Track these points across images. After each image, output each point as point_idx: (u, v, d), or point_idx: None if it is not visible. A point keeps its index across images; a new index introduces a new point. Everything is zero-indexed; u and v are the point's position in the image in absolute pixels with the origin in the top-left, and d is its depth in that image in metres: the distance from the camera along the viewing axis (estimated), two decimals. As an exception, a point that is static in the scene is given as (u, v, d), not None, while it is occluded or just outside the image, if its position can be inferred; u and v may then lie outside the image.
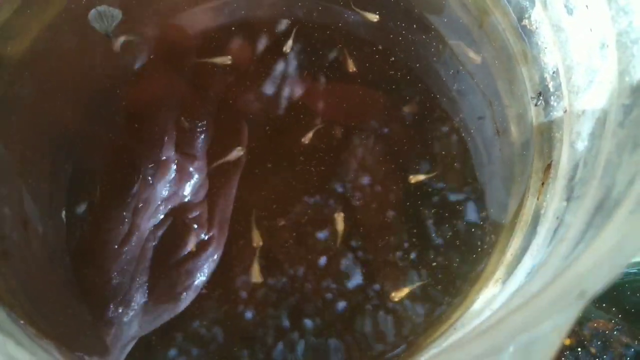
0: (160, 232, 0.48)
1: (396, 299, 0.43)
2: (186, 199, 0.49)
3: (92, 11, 0.49)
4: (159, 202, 0.48)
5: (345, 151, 0.53)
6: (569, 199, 0.33)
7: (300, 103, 0.55)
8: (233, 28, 0.56)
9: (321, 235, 0.48)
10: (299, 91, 0.55)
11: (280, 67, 0.56)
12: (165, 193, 0.48)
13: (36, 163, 0.50)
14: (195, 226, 0.48)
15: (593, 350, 0.53)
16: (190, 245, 0.47)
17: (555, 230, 0.33)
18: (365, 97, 0.55)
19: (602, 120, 0.33)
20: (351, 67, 0.56)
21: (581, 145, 0.35)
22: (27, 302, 0.43)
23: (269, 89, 0.55)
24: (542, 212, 0.37)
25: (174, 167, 0.49)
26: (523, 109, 0.44)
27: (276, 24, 0.57)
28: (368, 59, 0.56)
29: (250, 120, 0.53)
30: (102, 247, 0.46)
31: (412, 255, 0.46)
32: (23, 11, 0.49)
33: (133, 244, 0.46)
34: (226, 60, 0.54)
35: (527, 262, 0.35)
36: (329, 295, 0.46)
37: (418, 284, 0.44)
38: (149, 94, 0.53)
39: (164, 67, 0.55)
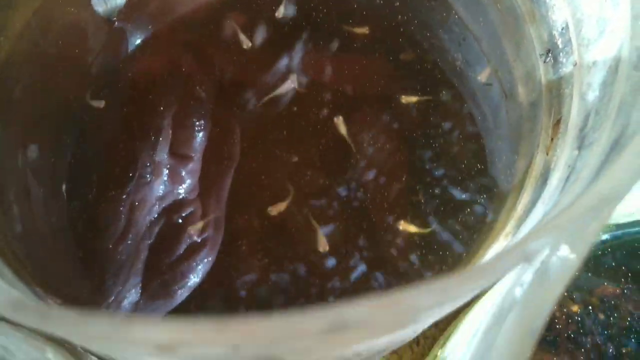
0: (155, 230, 0.47)
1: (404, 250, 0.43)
2: (180, 197, 0.49)
3: None
4: (154, 201, 0.48)
5: (352, 124, 0.53)
6: (580, 148, 0.33)
7: (306, 83, 0.55)
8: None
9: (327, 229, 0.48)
10: (306, 65, 0.55)
11: (283, 40, 0.56)
12: (160, 192, 0.48)
13: (38, 136, 0.49)
14: (190, 227, 0.48)
15: (601, 316, 0.53)
16: (184, 246, 0.47)
17: (567, 178, 0.33)
18: (371, 66, 0.55)
19: (614, 68, 0.33)
20: (356, 36, 0.55)
21: (592, 95, 0.35)
22: (29, 264, 0.43)
23: (274, 67, 0.55)
24: (552, 165, 0.37)
25: (166, 170, 0.49)
26: (531, 68, 0.44)
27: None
28: (373, 28, 0.56)
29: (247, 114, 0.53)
30: (99, 244, 0.46)
31: (424, 212, 0.46)
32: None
33: (129, 242, 0.46)
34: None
35: (539, 210, 0.35)
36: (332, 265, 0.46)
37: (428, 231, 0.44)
38: (148, 77, 0.53)
39: (163, 47, 0.55)
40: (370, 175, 0.49)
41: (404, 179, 0.49)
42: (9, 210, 0.44)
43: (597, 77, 0.35)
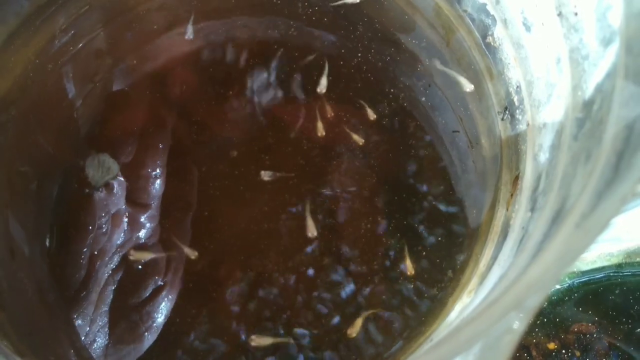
0: (118, 276, 0.49)
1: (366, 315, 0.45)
2: (140, 243, 0.50)
3: (92, 157, 0.49)
4: (114, 249, 0.49)
5: (323, 170, 0.54)
6: (532, 210, 0.35)
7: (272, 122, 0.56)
8: (205, 51, 0.58)
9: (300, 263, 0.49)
10: (273, 111, 0.57)
11: (253, 88, 0.57)
12: (119, 241, 0.49)
13: (22, 191, 0.51)
14: (151, 272, 0.49)
15: (577, 352, 0.54)
16: (149, 290, 0.48)
17: (521, 241, 0.34)
18: (342, 113, 0.57)
19: (560, 133, 0.34)
20: (326, 85, 0.57)
21: (543, 157, 0.36)
22: (14, 334, 0.44)
23: (242, 110, 0.56)
24: (511, 222, 0.39)
25: (125, 219, 0.50)
26: (492, 123, 0.45)
27: (247, 45, 0.59)
28: (343, 77, 0.57)
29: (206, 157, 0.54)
30: (63, 292, 0.47)
31: (389, 268, 0.47)
32: (5, 49, 0.50)
33: (90, 290, 0.47)
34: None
35: (496, 272, 0.36)
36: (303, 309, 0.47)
37: (397, 300, 0.45)
38: (106, 130, 0.55)
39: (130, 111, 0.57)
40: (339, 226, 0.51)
41: (377, 229, 0.51)
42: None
43: (546, 139, 0.36)
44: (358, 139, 0.53)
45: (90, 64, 0.57)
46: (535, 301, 0.23)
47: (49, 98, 0.54)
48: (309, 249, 0.50)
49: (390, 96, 0.56)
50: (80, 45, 0.57)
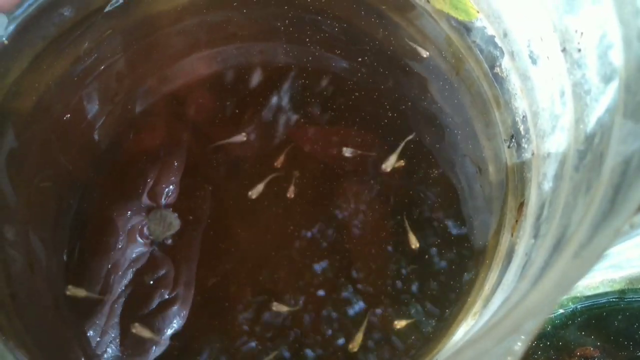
0: (129, 291, 0.50)
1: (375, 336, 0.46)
2: (152, 257, 0.52)
3: (155, 212, 0.51)
4: (128, 264, 0.51)
5: (334, 192, 0.56)
6: (536, 237, 0.36)
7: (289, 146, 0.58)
8: (222, 75, 0.60)
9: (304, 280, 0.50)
10: (287, 133, 0.58)
11: (268, 112, 0.59)
12: (133, 255, 0.51)
13: (41, 207, 0.52)
14: (160, 287, 0.51)
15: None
16: (155, 303, 0.50)
17: (524, 266, 0.36)
18: (352, 139, 0.58)
19: (563, 163, 0.36)
20: (337, 111, 0.59)
21: (547, 186, 0.38)
22: (31, 343, 0.45)
23: (256, 132, 0.58)
24: (515, 248, 0.40)
25: (138, 236, 0.52)
26: (498, 150, 0.47)
27: (263, 70, 0.61)
28: (355, 103, 0.59)
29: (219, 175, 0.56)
30: (78, 305, 0.49)
31: (399, 288, 0.48)
32: (31, 70, 0.53)
33: (104, 303, 0.49)
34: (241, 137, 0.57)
35: (499, 297, 0.37)
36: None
37: (405, 321, 0.46)
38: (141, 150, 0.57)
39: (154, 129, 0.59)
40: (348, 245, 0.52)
41: (385, 250, 0.52)
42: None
43: (550, 169, 0.38)
44: (369, 164, 0.54)
45: (111, 86, 0.59)
46: (535, 324, 0.24)
47: (71, 117, 0.56)
48: (317, 267, 0.51)
49: (400, 122, 0.57)
50: (102, 67, 0.59)
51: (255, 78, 0.61)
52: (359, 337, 0.46)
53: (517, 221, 0.42)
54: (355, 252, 0.52)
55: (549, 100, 0.39)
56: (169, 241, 0.50)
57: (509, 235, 0.42)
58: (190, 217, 0.53)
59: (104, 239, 0.51)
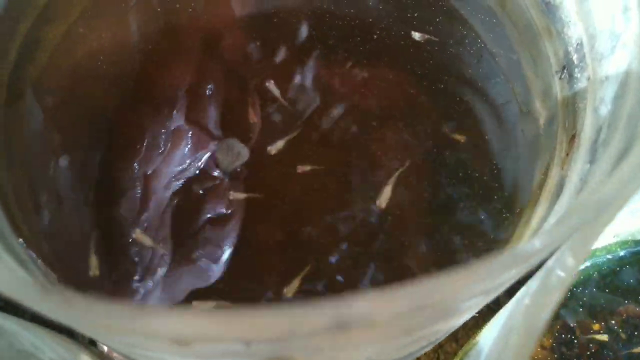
0: (176, 201, 0.49)
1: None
2: (202, 167, 0.50)
3: (221, 142, 0.49)
4: (176, 172, 0.49)
5: (369, 137, 0.54)
6: (592, 162, 0.34)
7: (322, 88, 0.56)
8: (257, 16, 0.58)
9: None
10: (323, 75, 0.57)
11: (301, 52, 0.57)
12: (181, 163, 0.49)
13: (73, 138, 0.51)
14: (212, 199, 0.49)
15: (623, 335, 0.52)
16: (206, 217, 0.48)
17: (579, 192, 0.33)
18: (389, 82, 0.56)
19: (624, 82, 0.33)
20: (373, 52, 0.57)
21: (604, 109, 0.35)
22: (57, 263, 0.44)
23: (291, 71, 0.56)
24: (567, 179, 0.38)
25: (189, 137, 0.51)
26: (547, 85, 0.44)
27: (297, 12, 0.59)
28: (392, 44, 0.57)
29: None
30: (121, 220, 0.47)
31: (439, 228, 0.46)
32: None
33: (151, 211, 0.47)
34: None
35: (551, 223, 0.35)
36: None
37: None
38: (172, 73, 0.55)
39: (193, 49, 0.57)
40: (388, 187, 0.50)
41: (422, 195, 0.50)
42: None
43: (609, 91, 0.35)
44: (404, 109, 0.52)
45: (143, 19, 0.57)
46: (590, 237, 0.22)
47: (100, 49, 0.54)
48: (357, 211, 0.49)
49: (440, 67, 0.55)
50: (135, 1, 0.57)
51: (289, 19, 0.60)
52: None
53: (567, 154, 0.39)
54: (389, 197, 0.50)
55: (609, 19, 0.36)
56: (239, 170, 0.49)
57: (558, 169, 0.40)
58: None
59: (133, 137, 0.49)
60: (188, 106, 0.52)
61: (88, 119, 0.52)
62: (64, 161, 0.50)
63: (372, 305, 0.17)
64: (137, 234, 0.46)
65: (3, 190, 0.43)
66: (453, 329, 0.43)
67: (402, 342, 0.28)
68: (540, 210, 0.39)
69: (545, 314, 0.22)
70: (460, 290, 0.19)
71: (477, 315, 0.58)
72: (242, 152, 0.47)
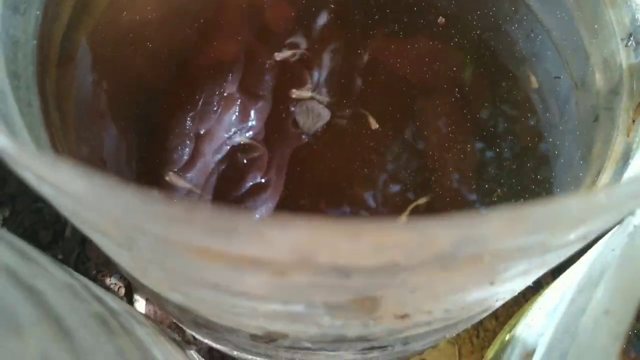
0: (222, 167, 0.49)
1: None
2: (247, 138, 0.50)
3: (300, 105, 0.49)
4: (224, 138, 0.49)
5: (418, 107, 0.53)
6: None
7: (374, 58, 0.56)
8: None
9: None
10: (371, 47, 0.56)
11: (348, 25, 0.57)
12: (229, 129, 0.49)
13: (121, 106, 0.51)
14: (254, 168, 0.49)
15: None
16: (249, 184, 0.48)
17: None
18: (441, 55, 0.56)
19: None
20: (426, 25, 0.56)
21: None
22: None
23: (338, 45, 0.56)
24: (634, 146, 0.37)
25: (238, 104, 0.50)
26: (610, 54, 0.43)
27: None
28: (436, 16, 0.56)
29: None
30: (166, 166, 0.47)
31: (490, 198, 0.46)
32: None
33: (198, 170, 0.47)
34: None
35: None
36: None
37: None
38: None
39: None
40: (436, 165, 0.50)
41: (470, 173, 0.49)
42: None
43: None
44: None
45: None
46: None
47: (144, 22, 0.54)
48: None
49: (488, 39, 0.55)
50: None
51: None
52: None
53: (634, 121, 0.38)
54: (437, 165, 0.50)
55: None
56: (319, 131, 0.48)
57: (624, 137, 0.39)
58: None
59: (188, 92, 0.49)
60: (242, 75, 0.51)
61: (135, 80, 0.52)
62: (110, 121, 0.50)
63: (502, 224, 0.16)
64: (171, 177, 0.46)
65: (56, 145, 0.42)
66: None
67: (481, 294, 0.28)
68: (605, 177, 0.39)
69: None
70: (575, 217, 0.18)
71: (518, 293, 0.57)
72: (323, 113, 0.47)
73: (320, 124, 0.47)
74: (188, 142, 0.48)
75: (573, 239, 0.22)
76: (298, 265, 0.20)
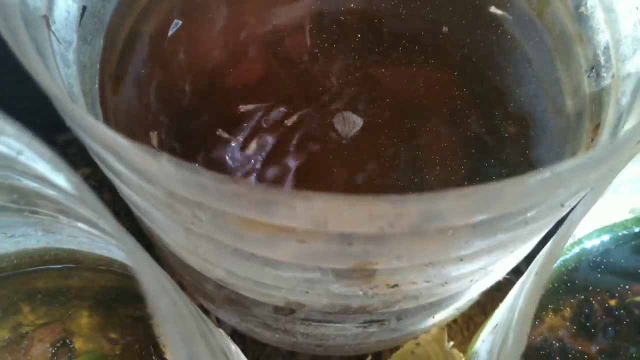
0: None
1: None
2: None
3: (338, 115, 0.57)
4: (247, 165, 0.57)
5: (411, 128, 0.61)
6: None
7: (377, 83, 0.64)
8: (321, 19, 0.66)
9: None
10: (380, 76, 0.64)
11: (359, 53, 0.65)
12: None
13: (161, 121, 0.60)
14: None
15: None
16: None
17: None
18: (430, 79, 0.64)
19: (642, 77, 0.41)
20: (418, 51, 0.64)
21: (625, 100, 0.43)
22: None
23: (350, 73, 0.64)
24: (591, 160, 0.45)
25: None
26: (578, 84, 0.52)
27: (355, 16, 0.66)
28: (433, 43, 0.64)
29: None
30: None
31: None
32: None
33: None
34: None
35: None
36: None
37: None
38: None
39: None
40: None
41: (461, 176, 0.57)
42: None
43: (629, 86, 0.43)
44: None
45: (218, 21, 0.65)
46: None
47: (181, 45, 0.63)
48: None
49: (480, 67, 0.63)
50: (214, 3, 0.66)
51: (348, 23, 0.67)
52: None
53: (592, 140, 0.47)
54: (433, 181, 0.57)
55: (632, 27, 0.44)
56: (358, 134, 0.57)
57: (585, 152, 0.47)
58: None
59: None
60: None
61: (176, 104, 0.60)
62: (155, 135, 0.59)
63: (453, 201, 0.25)
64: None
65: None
66: (505, 269, 0.49)
67: (455, 270, 0.36)
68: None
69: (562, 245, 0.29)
70: (511, 198, 0.26)
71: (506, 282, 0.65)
72: (357, 121, 0.56)
73: (355, 130, 0.56)
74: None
75: (515, 222, 0.30)
76: (314, 233, 0.28)
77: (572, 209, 0.34)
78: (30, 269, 0.52)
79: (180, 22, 0.61)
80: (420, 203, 0.25)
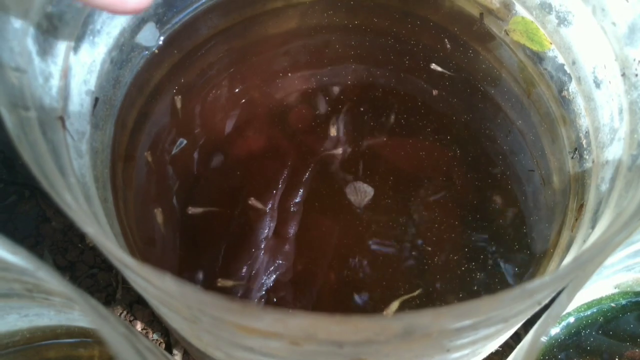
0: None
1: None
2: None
3: (350, 185, 0.60)
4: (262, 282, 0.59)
5: (408, 201, 0.64)
6: (592, 227, 0.44)
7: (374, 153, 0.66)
8: (312, 91, 0.69)
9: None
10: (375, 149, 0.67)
11: (356, 124, 0.68)
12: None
13: (166, 198, 0.62)
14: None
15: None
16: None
17: (580, 249, 0.43)
18: (429, 152, 0.67)
19: (618, 167, 0.43)
20: (417, 126, 0.67)
21: (604, 187, 0.45)
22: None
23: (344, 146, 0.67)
24: (575, 240, 0.47)
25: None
26: (562, 162, 0.54)
27: (353, 89, 0.70)
28: (432, 120, 0.67)
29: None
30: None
31: (470, 282, 0.56)
32: (168, 77, 0.63)
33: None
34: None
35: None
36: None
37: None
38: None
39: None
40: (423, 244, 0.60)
41: (455, 250, 0.59)
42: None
43: (607, 173, 0.45)
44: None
45: (224, 95, 0.69)
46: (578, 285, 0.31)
47: (190, 118, 0.66)
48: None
49: (474, 139, 0.65)
50: (220, 78, 0.69)
51: (347, 96, 0.71)
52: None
53: (576, 219, 0.49)
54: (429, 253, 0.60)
55: (609, 117, 0.47)
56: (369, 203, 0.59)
57: (569, 232, 0.50)
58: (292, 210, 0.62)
59: (250, 242, 0.60)
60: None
61: (182, 181, 0.63)
62: (159, 212, 0.61)
63: (432, 318, 0.27)
64: (221, 282, 0.56)
65: (125, 229, 0.54)
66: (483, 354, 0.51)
67: (448, 357, 0.38)
68: (552, 267, 0.49)
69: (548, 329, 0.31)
70: (486, 312, 0.29)
71: (501, 350, 0.67)
72: (368, 190, 0.59)
73: (367, 199, 0.59)
74: (241, 288, 0.58)
75: (495, 321, 0.32)
76: (306, 339, 0.30)
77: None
78: (43, 342, 0.55)
79: (185, 141, 0.64)
80: (403, 321, 0.27)
